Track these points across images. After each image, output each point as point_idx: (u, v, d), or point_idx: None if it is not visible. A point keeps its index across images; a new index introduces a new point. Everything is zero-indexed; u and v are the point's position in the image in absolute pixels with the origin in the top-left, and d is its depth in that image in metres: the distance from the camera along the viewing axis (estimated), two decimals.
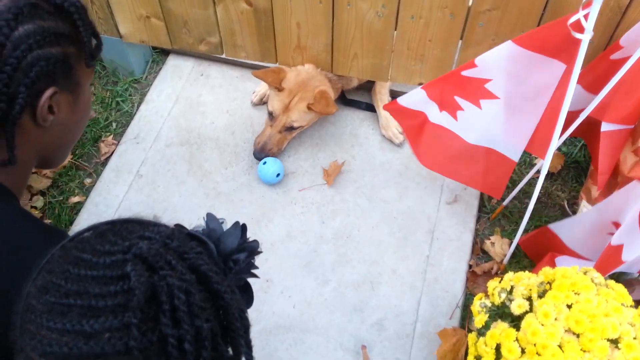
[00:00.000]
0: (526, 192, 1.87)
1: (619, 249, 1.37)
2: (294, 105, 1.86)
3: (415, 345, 1.60)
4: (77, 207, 1.89)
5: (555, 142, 1.32)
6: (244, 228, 0.68)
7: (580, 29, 1.17)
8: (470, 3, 1.55)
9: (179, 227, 0.67)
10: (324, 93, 1.85)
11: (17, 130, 0.82)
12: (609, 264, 1.39)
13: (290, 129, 1.91)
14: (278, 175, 1.87)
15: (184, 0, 1.79)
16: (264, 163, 1.87)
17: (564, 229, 1.59)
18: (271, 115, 1.91)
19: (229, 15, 1.80)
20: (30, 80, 0.79)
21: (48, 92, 0.83)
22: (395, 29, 1.69)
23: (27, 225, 0.85)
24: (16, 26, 0.77)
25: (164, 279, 0.55)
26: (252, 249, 0.68)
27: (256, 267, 0.70)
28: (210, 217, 0.68)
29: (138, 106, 2.12)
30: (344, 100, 2.09)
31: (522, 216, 1.59)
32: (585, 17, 1.15)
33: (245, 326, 0.61)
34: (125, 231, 0.61)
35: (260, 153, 1.90)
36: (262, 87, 2.11)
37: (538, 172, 1.95)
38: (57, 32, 0.82)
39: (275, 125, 1.90)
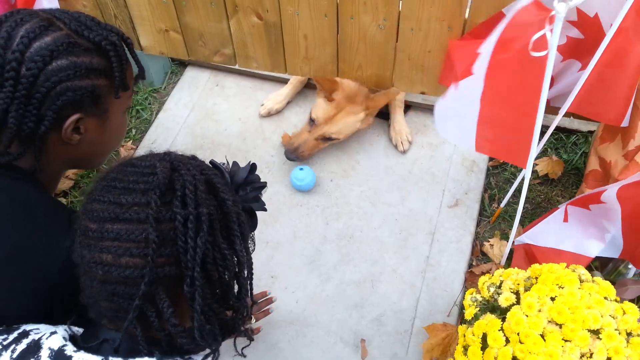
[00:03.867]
0: (527, 198, 1.93)
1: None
2: (340, 118, 1.96)
3: (413, 340, 1.66)
4: None
5: (534, 150, 1.36)
6: (253, 167, 0.92)
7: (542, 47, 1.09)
8: (466, 15, 1.64)
9: (210, 161, 0.91)
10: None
11: (44, 145, 0.96)
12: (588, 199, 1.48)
13: (327, 139, 1.99)
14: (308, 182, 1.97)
15: (200, 15, 1.91)
16: (301, 169, 1.97)
17: (537, 235, 1.65)
18: (313, 121, 2.00)
19: (242, 28, 1.91)
20: (57, 107, 0.92)
21: (73, 118, 0.95)
22: (397, 41, 1.78)
23: (57, 206, 1.02)
24: (50, 61, 0.90)
25: (180, 175, 0.75)
26: (259, 185, 0.92)
27: (263, 203, 0.92)
28: (234, 162, 0.93)
29: (156, 114, 2.25)
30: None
31: (522, 220, 1.64)
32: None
33: (243, 232, 0.80)
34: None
35: (292, 154, 1.99)
36: (270, 102, 2.22)
37: (537, 178, 2.02)
38: (89, 67, 0.94)
39: (313, 132, 1.98)
